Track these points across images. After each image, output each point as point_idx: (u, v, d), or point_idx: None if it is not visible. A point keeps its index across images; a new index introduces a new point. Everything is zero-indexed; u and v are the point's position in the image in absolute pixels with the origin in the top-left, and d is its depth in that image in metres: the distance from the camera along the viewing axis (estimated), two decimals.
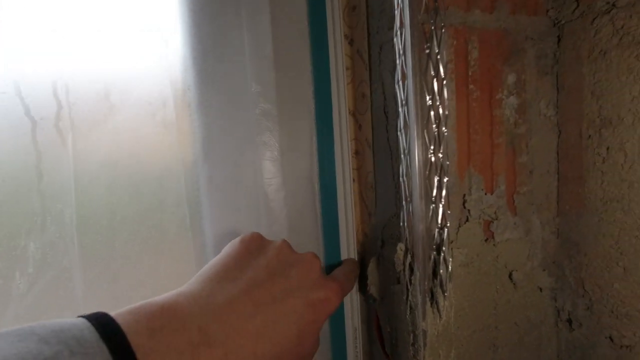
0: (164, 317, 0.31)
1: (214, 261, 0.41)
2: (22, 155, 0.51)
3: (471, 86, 0.53)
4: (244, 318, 0.35)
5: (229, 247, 0.43)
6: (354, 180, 0.72)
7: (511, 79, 0.55)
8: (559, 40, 0.57)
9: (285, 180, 0.68)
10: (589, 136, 0.54)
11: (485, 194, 0.56)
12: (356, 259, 0.68)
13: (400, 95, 0.49)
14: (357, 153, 0.71)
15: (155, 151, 0.58)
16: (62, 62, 0.51)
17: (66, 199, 0.53)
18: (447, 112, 0.49)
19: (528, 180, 0.58)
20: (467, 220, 0.55)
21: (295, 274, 0.41)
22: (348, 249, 0.70)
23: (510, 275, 0.56)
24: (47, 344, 0.25)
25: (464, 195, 0.55)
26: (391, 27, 0.56)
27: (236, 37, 0.63)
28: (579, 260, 0.57)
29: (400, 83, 0.49)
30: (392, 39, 0.54)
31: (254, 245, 0.43)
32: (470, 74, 0.53)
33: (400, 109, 0.50)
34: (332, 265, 0.68)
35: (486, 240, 0.56)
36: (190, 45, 0.60)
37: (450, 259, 0.51)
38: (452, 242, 0.53)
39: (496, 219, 0.56)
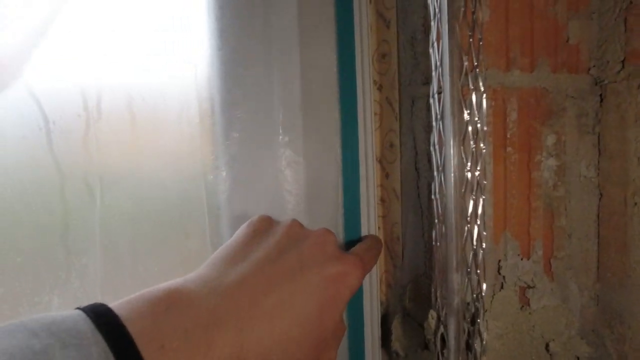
0: (170, 300, 0.29)
1: (222, 247, 0.39)
2: (49, 206, 0.51)
3: (509, 149, 0.51)
4: (256, 297, 0.32)
5: (238, 231, 0.41)
6: (379, 227, 0.70)
7: (551, 140, 0.53)
8: (601, 100, 0.55)
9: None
10: (635, 203, 0.51)
11: (522, 259, 0.53)
12: (379, 237, 0.65)
13: (436, 160, 0.47)
14: (382, 201, 0.69)
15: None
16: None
17: (93, 250, 0.52)
18: (485, 181, 0.47)
19: (566, 245, 0.55)
20: (502, 287, 0.52)
21: (308, 248, 0.38)
22: (371, 297, 0.68)
23: (547, 346, 0.53)
24: (36, 337, 0.23)
25: (499, 261, 0.52)
26: (425, 83, 0.55)
27: (264, 78, 0.62)
28: (622, 331, 0.53)
29: (437, 147, 0.47)
30: (427, 97, 0.52)
31: (263, 226, 0.41)
32: (508, 136, 0.51)
33: (435, 174, 0.48)
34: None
35: (522, 308, 0.53)
36: (218, 73, 0.59)
37: (485, 331, 0.49)
38: (486, 311, 0.51)
39: (533, 286, 0.53)
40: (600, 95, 0.55)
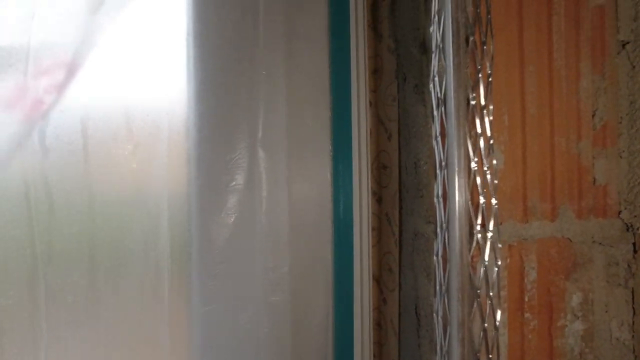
0: None
1: None
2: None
3: (527, 315, 0.43)
4: None
5: None
6: (374, 355, 0.62)
7: (576, 299, 0.45)
8: (634, 248, 0.47)
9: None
10: None
11: None
12: None
13: (440, 343, 0.39)
14: (379, 326, 0.61)
15: None
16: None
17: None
18: (498, 354, 0.39)
19: None
20: None
21: None
22: None
23: None
24: None
25: None
26: (429, 222, 0.48)
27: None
28: None
29: (441, 323, 0.39)
30: (430, 239, 0.45)
31: None
32: (526, 299, 0.43)
33: (442, 346, 0.40)
34: None
35: None
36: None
37: None
38: None
39: None
40: (634, 243, 0.47)
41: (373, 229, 0.62)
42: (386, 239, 0.59)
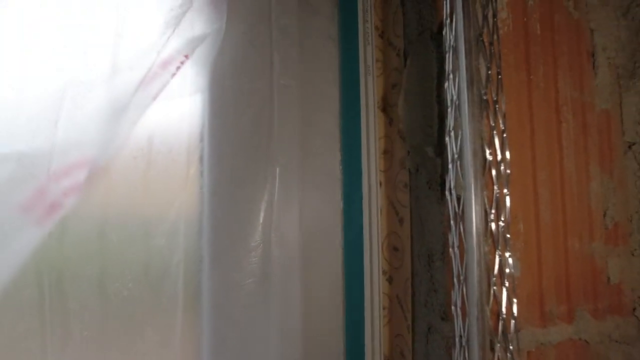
0: None
1: None
2: None
3: None
4: None
5: None
6: None
7: None
8: None
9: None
10: None
11: None
12: None
13: None
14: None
15: None
16: None
17: None
18: None
19: None
20: None
21: None
22: None
23: None
24: None
25: None
26: (444, 318, 0.48)
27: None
28: None
29: None
30: (446, 337, 0.45)
31: None
32: None
33: None
34: None
35: None
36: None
37: None
38: None
39: None
40: None
41: (384, 308, 0.61)
42: (398, 321, 0.59)
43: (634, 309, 0.47)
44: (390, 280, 0.61)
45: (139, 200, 0.49)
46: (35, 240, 0.45)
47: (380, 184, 0.62)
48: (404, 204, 0.58)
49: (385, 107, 0.63)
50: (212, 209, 0.53)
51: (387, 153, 0.63)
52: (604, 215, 0.47)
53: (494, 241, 0.40)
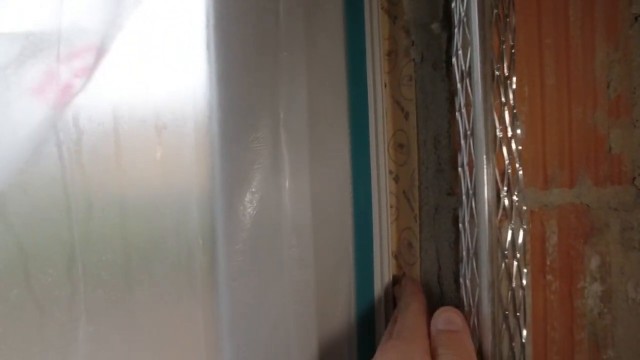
0: None
1: None
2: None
3: (549, 277, 0.45)
4: None
5: None
6: None
7: (594, 262, 0.47)
8: None
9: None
10: None
11: None
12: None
13: (468, 298, 0.41)
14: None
15: None
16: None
17: None
18: (524, 320, 0.41)
19: None
20: None
21: None
22: None
23: None
24: None
25: None
26: (450, 193, 0.49)
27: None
28: None
29: (469, 285, 0.41)
30: (452, 209, 0.47)
31: None
32: (548, 263, 0.45)
33: (470, 307, 0.41)
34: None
35: None
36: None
37: None
38: None
39: None
40: None
41: (391, 207, 0.63)
42: (405, 215, 0.61)
43: (634, 179, 0.49)
44: (396, 179, 0.63)
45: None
46: (49, 124, 0.46)
47: (385, 85, 0.63)
48: (409, 97, 0.59)
49: (389, 6, 0.62)
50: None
51: (391, 54, 0.63)
52: (608, 86, 0.48)
53: (500, 102, 0.41)
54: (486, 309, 0.38)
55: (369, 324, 0.62)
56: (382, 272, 0.62)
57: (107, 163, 0.48)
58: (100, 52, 0.44)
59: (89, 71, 0.44)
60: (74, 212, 0.46)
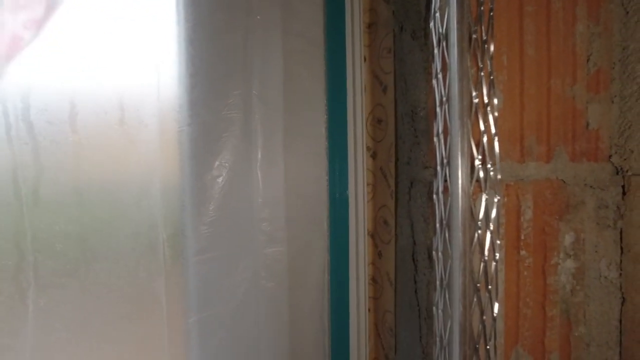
0: None
1: None
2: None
3: (523, 252, 0.44)
4: None
5: None
6: (369, 309, 0.63)
7: (569, 239, 0.47)
8: (623, 192, 0.49)
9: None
10: None
11: None
12: None
13: (440, 274, 0.40)
14: (374, 281, 0.62)
15: None
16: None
17: None
18: (496, 294, 0.40)
19: (585, 355, 0.48)
20: None
21: None
22: None
23: None
24: None
25: None
26: (426, 167, 0.48)
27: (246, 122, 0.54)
28: None
29: (441, 257, 0.40)
30: (428, 183, 0.46)
31: None
32: (522, 237, 0.44)
33: (439, 287, 0.40)
34: None
35: None
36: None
37: None
38: None
39: None
40: (623, 186, 0.49)
41: (368, 184, 0.62)
42: (381, 192, 0.59)
43: (610, 156, 0.48)
44: (374, 155, 0.61)
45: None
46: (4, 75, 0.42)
47: (365, 59, 0.61)
48: (387, 70, 0.57)
49: None
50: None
51: (371, 26, 0.61)
52: (588, 60, 0.47)
53: (477, 67, 0.40)
54: (457, 280, 0.37)
55: (343, 304, 0.60)
56: (358, 252, 0.61)
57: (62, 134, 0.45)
58: (49, 4, 0.40)
59: (39, 23, 0.40)
60: (21, 183, 0.43)
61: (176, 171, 0.50)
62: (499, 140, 0.42)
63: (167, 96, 0.50)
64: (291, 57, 0.56)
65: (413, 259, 0.51)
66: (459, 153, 0.37)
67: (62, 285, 0.43)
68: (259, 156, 0.54)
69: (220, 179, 0.51)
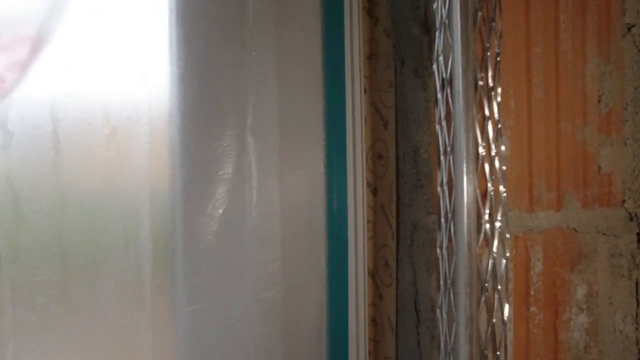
0: None
1: None
2: None
3: (533, 308, 0.41)
4: None
5: None
6: (369, 352, 0.59)
7: (581, 291, 0.44)
8: (638, 238, 0.46)
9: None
10: None
11: None
12: None
13: (444, 336, 0.37)
14: (375, 323, 0.59)
15: None
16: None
17: None
18: (506, 350, 0.37)
19: None
20: None
21: None
22: None
23: None
24: None
25: None
26: (430, 212, 0.45)
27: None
28: None
29: (446, 322, 0.37)
30: (431, 230, 0.43)
31: None
32: (532, 292, 0.41)
33: (446, 343, 0.37)
34: None
35: None
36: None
37: None
38: None
39: None
40: (637, 233, 0.46)
41: (368, 222, 0.59)
42: (382, 231, 0.57)
43: (624, 201, 0.46)
44: (374, 191, 0.59)
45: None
46: None
47: (365, 91, 0.58)
48: (389, 104, 0.55)
49: (370, 7, 0.58)
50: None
51: (372, 57, 0.59)
52: (599, 101, 0.44)
53: (483, 115, 0.37)
54: (463, 348, 0.34)
55: (342, 349, 0.57)
56: (358, 292, 0.58)
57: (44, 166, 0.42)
58: (35, 44, 0.38)
59: (23, 65, 0.38)
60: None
61: (167, 214, 0.48)
62: (506, 189, 0.39)
63: (157, 136, 0.47)
64: (287, 91, 0.54)
65: (415, 308, 0.48)
66: (465, 207, 0.35)
67: (43, 340, 0.40)
68: (254, 197, 0.51)
69: (213, 223, 0.49)
